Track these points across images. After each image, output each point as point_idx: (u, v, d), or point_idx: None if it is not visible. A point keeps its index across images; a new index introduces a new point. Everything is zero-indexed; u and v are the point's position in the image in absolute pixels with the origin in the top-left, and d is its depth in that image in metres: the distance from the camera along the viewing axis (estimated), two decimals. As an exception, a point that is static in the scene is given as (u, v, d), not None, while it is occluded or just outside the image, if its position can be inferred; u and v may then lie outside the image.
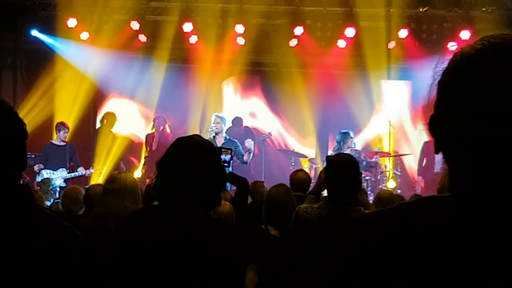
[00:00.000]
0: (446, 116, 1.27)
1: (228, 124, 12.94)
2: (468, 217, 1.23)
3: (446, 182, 1.32)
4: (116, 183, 4.49)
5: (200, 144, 2.93)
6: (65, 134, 11.79)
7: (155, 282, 2.68)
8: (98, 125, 14.18)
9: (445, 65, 1.32)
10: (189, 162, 2.83)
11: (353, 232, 1.37)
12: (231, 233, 2.87)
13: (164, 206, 2.88)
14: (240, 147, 10.46)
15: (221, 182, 2.97)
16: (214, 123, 10.60)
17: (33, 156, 11.88)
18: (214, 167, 2.91)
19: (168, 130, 13.16)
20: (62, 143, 11.79)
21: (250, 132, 13.80)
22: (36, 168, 11.38)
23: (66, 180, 11.41)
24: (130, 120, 14.36)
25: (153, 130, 13.02)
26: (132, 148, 14.19)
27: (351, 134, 11.82)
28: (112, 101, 14.44)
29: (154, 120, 13.26)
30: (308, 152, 14.06)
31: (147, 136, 13.09)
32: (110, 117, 13.79)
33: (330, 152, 12.16)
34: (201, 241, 2.71)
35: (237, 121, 13.68)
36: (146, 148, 12.90)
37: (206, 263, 2.67)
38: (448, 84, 1.29)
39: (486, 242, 1.19)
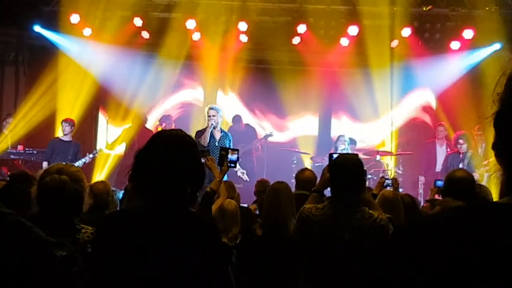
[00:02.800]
0: None
1: (227, 119, 13.02)
2: None
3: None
4: None
5: (180, 138, 2.87)
6: (71, 130, 11.77)
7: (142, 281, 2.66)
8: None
9: None
10: (167, 155, 2.78)
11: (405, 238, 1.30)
12: (213, 226, 2.86)
13: (141, 207, 2.84)
14: (231, 142, 10.29)
15: (199, 178, 2.90)
16: (210, 116, 10.40)
17: (35, 152, 11.89)
18: (193, 162, 2.85)
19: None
20: (67, 139, 11.79)
21: (251, 130, 13.80)
22: (44, 165, 11.37)
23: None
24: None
25: (160, 129, 12.93)
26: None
27: (345, 137, 12.08)
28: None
29: (160, 119, 13.21)
30: (309, 150, 14.06)
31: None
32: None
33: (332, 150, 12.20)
34: (186, 237, 2.70)
35: (237, 119, 13.65)
36: None
37: (192, 258, 2.66)
38: None
39: None
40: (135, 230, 2.72)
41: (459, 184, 4.86)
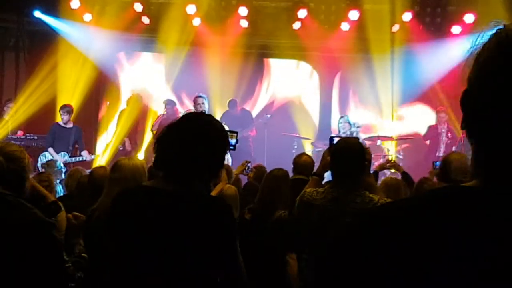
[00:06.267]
0: (480, 94, 1.21)
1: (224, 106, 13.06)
2: (483, 212, 1.14)
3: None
4: (118, 172, 4.49)
5: (199, 120, 2.88)
6: (69, 116, 11.76)
7: (147, 260, 2.67)
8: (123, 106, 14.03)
9: (485, 40, 1.23)
10: (186, 138, 2.78)
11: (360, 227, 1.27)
12: (225, 210, 2.83)
13: (150, 185, 2.84)
14: None
15: (218, 161, 2.91)
16: (199, 103, 10.50)
17: (35, 137, 11.90)
18: (212, 144, 2.83)
19: (179, 113, 13.04)
20: (69, 125, 11.78)
21: (247, 114, 13.75)
22: (50, 151, 11.35)
23: (65, 165, 11.31)
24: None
25: (164, 112, 12.90)
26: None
27: (347, 118, 11.97)
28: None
29: (165, 104, 13.16)
30: (310, 135, 14.07)
31: (158, 116, 12.97)
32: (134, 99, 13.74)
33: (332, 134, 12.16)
34: (192, 218, 2.68)
35: (232, 103, 13.58)
36: (156, 126, 12.74)
37: (198, 240, 2.65)
38: (487, 62, 1.21)
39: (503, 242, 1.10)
40: (145, 206, 2.73)
41: (452, 167, 4.90)
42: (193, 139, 2.78)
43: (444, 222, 1.15)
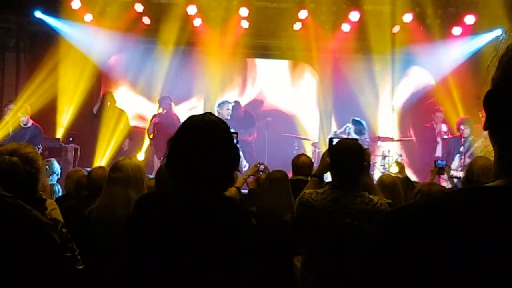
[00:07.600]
0: (504, 94, 1.21)
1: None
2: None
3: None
4: (120, 171, 4.49)
5: (213, 123, 2.86)
6: (28, 118, 11.94)
7: (171, 267, 2.67)
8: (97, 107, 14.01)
9: (510, 41, 1.23)
10: (202, 140, 2.77)
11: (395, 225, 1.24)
12: (248, 216, 2.85)
13: (175, 191, 2.84)
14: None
15: (234, 162, 2.89)
16: (228, 109, 10.57)
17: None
18: (227, 146, 2.84)
19: (174, 110, 13.09)
20: (28, 125, 11.96)
21: (250, 116, 13.76)
22: None
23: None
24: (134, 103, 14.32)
25: (159, 111, 12.94)
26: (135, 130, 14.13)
27: (364, 124, 12.01)
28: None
29: (159, 101, 13.19)
30: (310, 135, 14.08)
31: (153, 116, 13.02)
32: (110, 96, 13.70)
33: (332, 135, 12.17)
34: (216, 223, 2.69)
35: (235, 105, 13.61)
36: (151, 129, 12.79)
37: (223, 245, 2.66)
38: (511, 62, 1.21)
39: None
40: (167, 213, 2.73)
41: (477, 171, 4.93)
42: (204, 145, 2.78)
43: (461, 222, 1.14)
